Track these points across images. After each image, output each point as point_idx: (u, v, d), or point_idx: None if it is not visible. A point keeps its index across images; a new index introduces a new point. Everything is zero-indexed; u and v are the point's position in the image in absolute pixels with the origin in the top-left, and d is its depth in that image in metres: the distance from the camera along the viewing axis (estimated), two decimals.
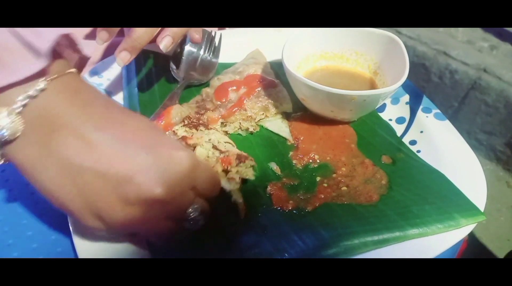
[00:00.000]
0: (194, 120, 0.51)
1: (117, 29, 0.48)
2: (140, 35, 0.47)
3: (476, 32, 1.45)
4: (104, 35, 0.46)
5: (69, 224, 0.39)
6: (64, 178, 0.32)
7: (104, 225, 0.33)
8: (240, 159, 0.45)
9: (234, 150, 0.47)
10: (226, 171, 0.45)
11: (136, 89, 0.58)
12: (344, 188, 0.46)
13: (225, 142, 0.50)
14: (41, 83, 0.31)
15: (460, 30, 1.45)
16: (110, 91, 0.58)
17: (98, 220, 0.33)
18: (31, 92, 0.30)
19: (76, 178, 0.31)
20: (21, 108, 0.30)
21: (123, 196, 0.31)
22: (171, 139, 0.38)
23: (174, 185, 0.32)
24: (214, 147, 0.46)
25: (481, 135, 1.40)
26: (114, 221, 0.32)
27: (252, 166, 0.46)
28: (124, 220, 0.32)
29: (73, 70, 0.34)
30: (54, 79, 0.32)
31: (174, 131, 0.48)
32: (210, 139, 0.49)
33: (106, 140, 0.32)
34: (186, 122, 0.50)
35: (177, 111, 0.50)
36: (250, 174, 0.46)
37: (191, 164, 0.33)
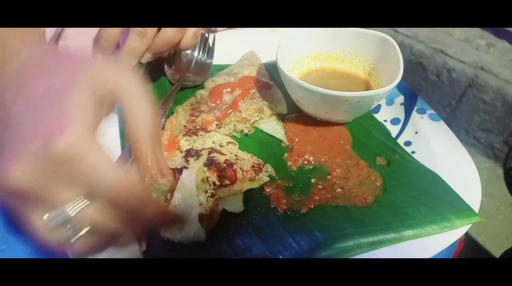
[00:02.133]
0: (191, 127, 0.51)
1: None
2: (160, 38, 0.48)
3: (473, 30, 1.45)
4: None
5: None
6: None
7: None
8: (255, 170, 0.46)
9: (246, 162, 0.47)
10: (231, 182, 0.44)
11: None
12: (339, 190, 0.46)
13: (228, 142, 0.50)
14: None
15: (457, 28, 1.45)
16: None
17: None
18: None
19: None
20: None
21: None
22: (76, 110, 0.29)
23: (31, 172, 0.27)
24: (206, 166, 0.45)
25: (479, 133, 1.40)
26: None
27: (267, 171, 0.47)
28: None
29: None
30: None
31: (179, 146, 0.48)
32: (213, 142, 0.49)
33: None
34: (184, 131, 0.49)
35: (176, 123, 0.50)
36: (266, 179, 0.46)
37: (68, 155, 0.27)
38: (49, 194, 0.28)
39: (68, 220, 0.29)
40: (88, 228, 0.30)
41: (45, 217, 0.29)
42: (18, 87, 0.32)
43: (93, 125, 0.30)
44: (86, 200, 0.29)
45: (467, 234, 0.41)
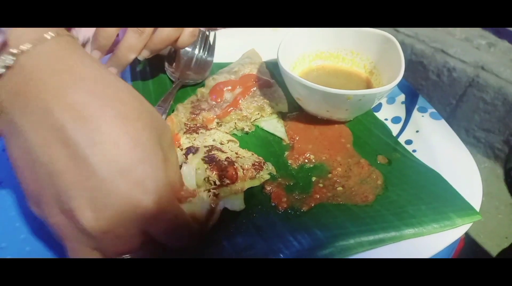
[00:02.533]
0: (192, 125, 0.51)
1: (108, 47, 0.48)
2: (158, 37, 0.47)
3: (474, 30, 1.45)
4: (96, 53, 0.47)
5: None
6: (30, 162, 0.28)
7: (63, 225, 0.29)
8: (256, 168, 0.45)
9: (247, 160, 0.46)
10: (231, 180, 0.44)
11: None
12: (340, 188, 0.46)
13: (228, 141, 0.50)
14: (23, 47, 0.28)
15: (458, 28, 1.44)
16: None
17: (60, 215, 0.29)
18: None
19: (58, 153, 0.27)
20: None
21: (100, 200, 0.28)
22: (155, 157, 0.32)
23: (111, 227, 0.29)
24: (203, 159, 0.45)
25: (479, 132, 1.40)
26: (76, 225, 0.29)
27: (268, 169, 0.47)
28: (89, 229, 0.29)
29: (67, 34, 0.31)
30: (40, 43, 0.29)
31: (180, 144, 0.48)
32: (214, 140, 0.49)
33: (107, 116, 0.29)
34: (185, 129, 0.49)
35: (176, 121, 0.50)
36: (266, 177, 0.46)
37: (142, 210, 0.29)
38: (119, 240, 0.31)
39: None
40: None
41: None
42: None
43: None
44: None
45: (466, 233, 0.41)
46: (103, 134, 0.28)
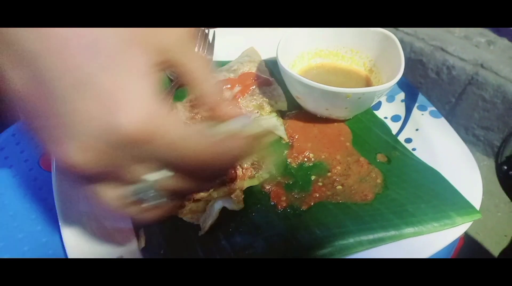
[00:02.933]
0: (191, 124, 0.50)
1: None
2: None
3: (473, 28, 1.45)
4: None
5: (60, 226, 0.39)
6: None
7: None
8: (255, 167, 0.45)
9: (246, 159, 0.46)
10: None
11: None
12: (339, 187, 0.46)
13: None
14: None
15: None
16: None
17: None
18: None
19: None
20: None
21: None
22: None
23: (97, 157, 0.24)
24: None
25: (478, 130, 1.40)
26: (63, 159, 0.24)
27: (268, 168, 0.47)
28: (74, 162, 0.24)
29: None
30: None
31: None
32: None
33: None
34: None
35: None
36: (265, 176, 0.46)
37: (136, 135, 0.24)
38: (121, 172, 0.26)
39: (144, 194, 0.28)
40: (165, 199, 0.29)
41: (119, 192, 0.28)
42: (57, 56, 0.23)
43: (157, 92, 0.26)
44: (163, 171, 0.27)
45: (465, 232, 0.41)
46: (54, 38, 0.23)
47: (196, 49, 0.61)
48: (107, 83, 0.23)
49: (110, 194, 0.28)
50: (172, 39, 0.29)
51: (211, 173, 0.30)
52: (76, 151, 0.24)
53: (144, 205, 0.29)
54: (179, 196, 0.31)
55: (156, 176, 0.28)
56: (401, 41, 0.52)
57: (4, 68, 0.23)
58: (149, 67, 0.27)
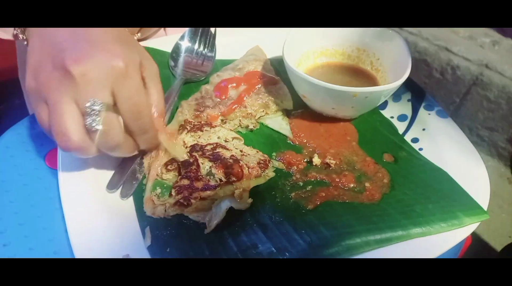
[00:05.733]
0: (196, 123, 0.50)
1: None
2: None
3: (478, 28, 1.44)
4: None
5: (66, 224, 0.39)
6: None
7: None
8: (261, 166, 0.45)
9: (252, 158, 0.46)
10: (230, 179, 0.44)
11: None
12: (346, 186, 0.45)
13: (233, 138, 0.49)
14: None
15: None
16: None
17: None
18: None
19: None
20: None
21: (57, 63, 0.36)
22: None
23: (88, 70, 0.35)
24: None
25: (483, 131, 1.39)
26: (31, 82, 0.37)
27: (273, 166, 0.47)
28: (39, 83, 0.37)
29: None
30: None
31: (184, 141, 0.47)
32: (219, 137, 0.48)
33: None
34: (188, 127, 0.49)
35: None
36: (271, 175, 0.46)
37: (113, 66, 0.36)
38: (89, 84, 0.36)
39: (92, 112, 0.36)
40: (102, 127, 0.37)
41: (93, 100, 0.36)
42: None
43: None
44: (109, 105, 0.37)
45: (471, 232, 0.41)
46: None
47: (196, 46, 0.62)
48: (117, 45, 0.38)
49: (73, 125, 0.37)
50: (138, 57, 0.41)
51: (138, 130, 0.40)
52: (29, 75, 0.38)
53: (97, 131, 0.37)
54: (110, 137, 0.39)
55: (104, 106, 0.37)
56: (405, 41, 0.51)
57: None
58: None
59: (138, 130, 0.40)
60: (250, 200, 0.42)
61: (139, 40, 0.63)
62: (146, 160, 0.45)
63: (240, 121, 0.52)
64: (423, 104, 0.54)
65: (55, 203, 0.43)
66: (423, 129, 0.52)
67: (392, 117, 0.55)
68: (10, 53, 0.74)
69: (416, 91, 0.56)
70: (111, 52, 0.37)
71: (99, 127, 0.37)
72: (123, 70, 0.37)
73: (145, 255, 0.38)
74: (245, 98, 0.53)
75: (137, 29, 0.61)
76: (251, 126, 0.53)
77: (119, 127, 0.38)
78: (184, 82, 0.58)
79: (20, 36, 0.44)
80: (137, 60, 0.40)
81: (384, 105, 0.56)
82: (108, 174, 0.45)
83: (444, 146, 0.49)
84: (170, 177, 0.44)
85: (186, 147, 0.46)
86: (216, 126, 0.50)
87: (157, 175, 0.44)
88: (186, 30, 0.62)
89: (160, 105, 0.43)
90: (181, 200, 0.41)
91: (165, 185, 0.44)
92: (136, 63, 0.39)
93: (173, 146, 0.45)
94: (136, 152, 0.42)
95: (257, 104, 0.53)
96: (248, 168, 0.44)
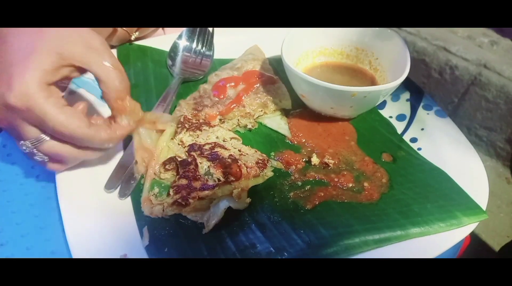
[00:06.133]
0: (194, 121, 0.50)
1: None
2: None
3: (477, 28, 1.44)
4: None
5: (63, 224, 0.39)
6: None
7: None
8: (260, 166, 0.45)
9: (250, 158, 0.46)
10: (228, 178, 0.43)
11: None
12: (344, 186, 0.45)
13: (231, 138, 0.49)
14: None
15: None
16: None
17: None
18: None
19: None
20: None
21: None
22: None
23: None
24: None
25: (481, 131, 1.39)
26: None
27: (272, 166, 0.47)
28: None
29: None
30: None
31: (182, 140, 0.47)
32: (217, 137, 0.48)
33: None
34: (187, 126, 0.48)
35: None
36: (270, 174, 0.46)
37: (19, 105, 0.36)
38: (17, 129, 0.38)
39: (32, 151, 0.39)
40: (47, 158, 0.40)
41: (22, 142, 0.39)
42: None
43: (46, 81, 0.37)
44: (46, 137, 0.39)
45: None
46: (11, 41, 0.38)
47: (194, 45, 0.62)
48: (12, 72, 0.37)
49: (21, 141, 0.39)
50: (78, 48, 0.39)
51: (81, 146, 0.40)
52: None
53: (36, 157, 0.40)
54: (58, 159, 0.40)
55: (40, 138, 0.39)
56: (404, 41, 0.51)
57: None
58: (48, 65, 0.37)
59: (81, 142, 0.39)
60: (248, 200, 0.42)
61: (137, 39, 0.63)
62: (139, 157, 0.45)
63: (238, 120, 0.52)
64: (421, 104, 0.54)
65: (52, 203, 0.43)
66: (422, 129, 0.52)
67: (390, 117, 0.55)
68: None
69: (415, 91, 0.56)
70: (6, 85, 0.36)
71: (46, 157, 0.40)
72: (19, 104, 0.36)
73: (143, 255, 0.38)
74: (243, 98, 0.53)
75: (134, 28, 0.61)
76: (249, 126, 0.52)
77: (68, 147, 0.39)
78: (182, 81, 0.58)
79: None
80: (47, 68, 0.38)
81: (382, 104, 0.56)
82: (106, 174, 0.45)
83: (443, 146, 0.49)
84: (168, 176, 0.44)
85: (185, 146, 0.46)
86: (214, 125, 0.50)
87: (155, 174, 0.44)
88: (184, 29, 0.62)
89: (112, 89, 0.40)
90: (179, 200, 0.41)
91: (163, 185, 0.43)
92: (43, 74, 0.37)
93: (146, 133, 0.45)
94: (115, 140, 0.42)
95: (256, 104, 0.53)
96: (247, 167, 0.44)
